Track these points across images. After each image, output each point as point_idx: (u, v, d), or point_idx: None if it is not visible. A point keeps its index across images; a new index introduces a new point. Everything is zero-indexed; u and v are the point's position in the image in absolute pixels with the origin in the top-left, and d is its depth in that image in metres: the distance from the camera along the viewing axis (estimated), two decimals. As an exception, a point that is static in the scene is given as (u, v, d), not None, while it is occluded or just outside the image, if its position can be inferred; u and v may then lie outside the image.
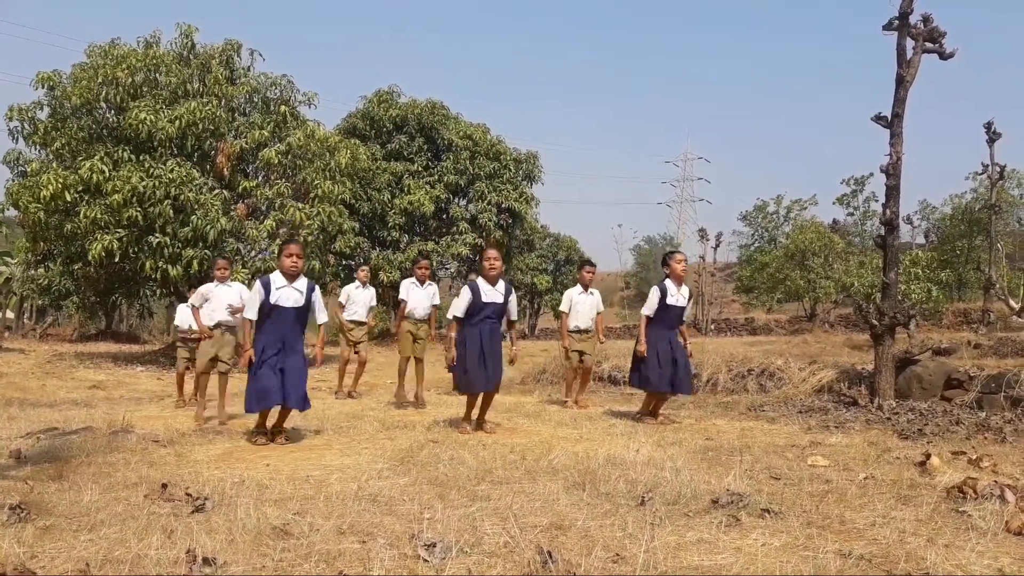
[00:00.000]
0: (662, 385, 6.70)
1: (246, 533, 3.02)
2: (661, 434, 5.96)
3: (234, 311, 7.09)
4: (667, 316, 6.80)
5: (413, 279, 8.34)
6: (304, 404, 5.64)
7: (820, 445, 5.41)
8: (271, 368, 5.49)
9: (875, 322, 7.63)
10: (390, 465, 4.59)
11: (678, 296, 6.81)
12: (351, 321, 9.40)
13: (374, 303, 9.72)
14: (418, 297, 8.24)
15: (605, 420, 6.93)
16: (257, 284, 5.68)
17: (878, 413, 6.96)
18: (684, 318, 6.97)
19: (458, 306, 6.06)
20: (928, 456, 4.60)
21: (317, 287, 5.93)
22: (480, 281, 6.08)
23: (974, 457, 4.75)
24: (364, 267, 9.92)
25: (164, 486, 3.78)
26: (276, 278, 5.64)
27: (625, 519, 3.29)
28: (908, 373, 7.71)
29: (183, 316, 8.70)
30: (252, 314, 5.62)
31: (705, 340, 17.57)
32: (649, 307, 6.84)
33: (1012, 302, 16.25)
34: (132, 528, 3.08)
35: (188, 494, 3.64)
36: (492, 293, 6.05)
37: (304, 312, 5.70)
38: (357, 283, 9.55)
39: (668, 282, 6.81)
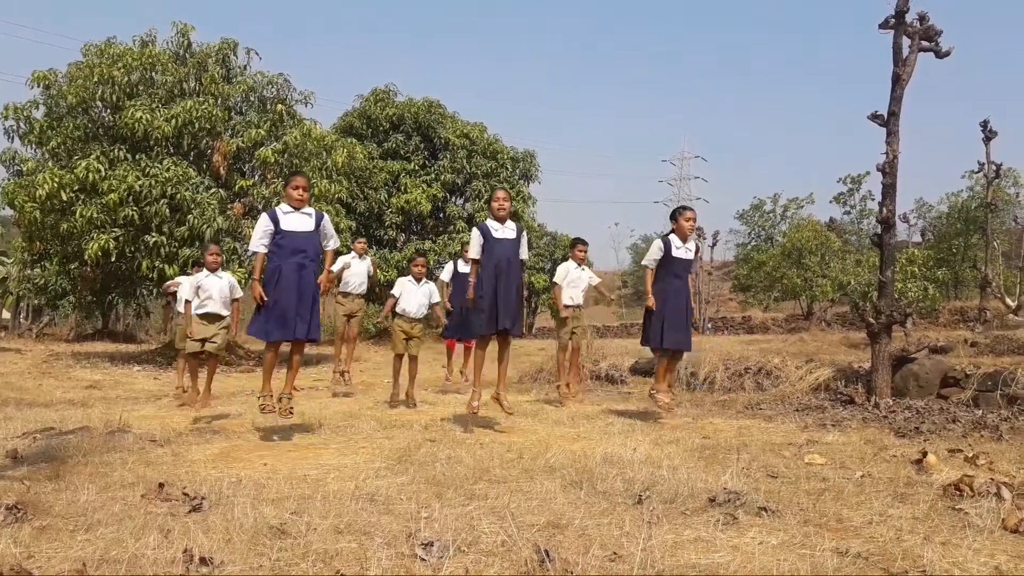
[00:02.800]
0: (668, 343, 6.63)
1: (243, 533, 3.01)
2: (658, 432, 5.97)
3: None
4: (675, 267, 6.75)
5: (410, 277, 8.34)
6: (316, 333, 5.62)
7: (817, 443, 5.42)
8: (285, 299, 5.45)
9: (872, 320, 7.64)
10: (387, 464, 4.59)
11: (684, 249, 6.77)
12: (346, 293, 9.35)
13: (372, 272, 9.66)
14: (412, 295, 8.24)
15: (602, 419, 6.93)
16: (263, 216, 5.66)
17: (875, 411, 6.97)
18: (690, 271, 6.94)
19: (473, 248, 6.14)
20: (925, 454, 4.61)
21: (325, 215, 5.94)
22: (489, 221, 6.17)
23: (971, 455, 4.76)
24: (360, 239, 9.84)
25: (161, 486, 3.77)
26: (283, 207, 5.67)
27: (622, 518, 3.29)
28: (905, 371, 7.73)
29: (185, 290, 8.63)
30: (259, 247, 5.59)
31: (702, 339, 17.57)
32: (650, 257, 6.80)
33: (1008, 300, 16.27)
34: (129, 528, 3.07)
35: (185, 494, 3.63)
36: (502, 230, 6.13)
37: (315, 238, 5.71)
38: (354, 254, 9.50)
39: (673, 236, 6.78)
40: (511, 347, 6.43)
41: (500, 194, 6.24)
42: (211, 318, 6.90)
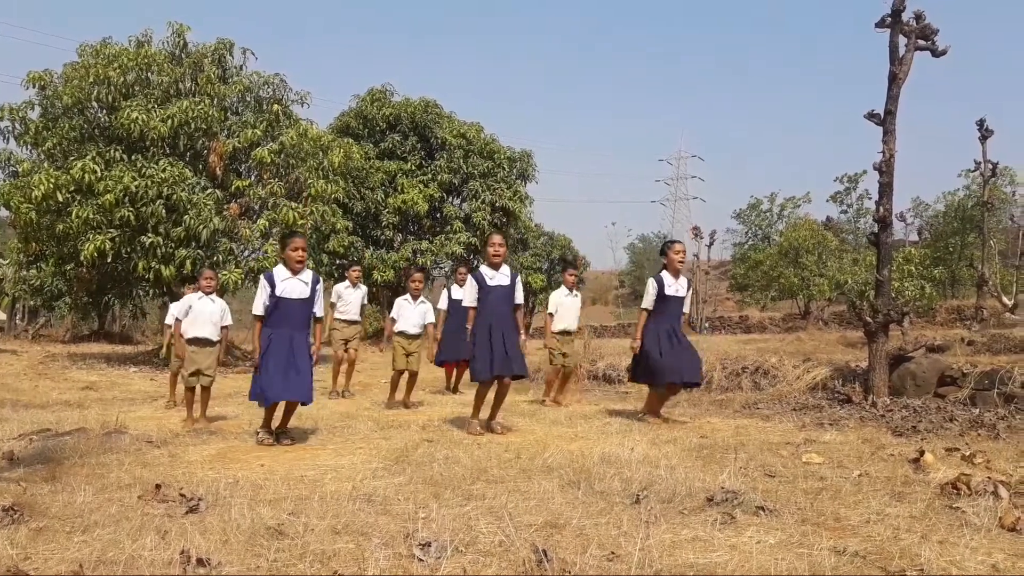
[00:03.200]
0: (670, 377, 6.56)
1: (240, 534, 3.01)
2: (656, 432, 5.97)
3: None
4: (668, 308, 6.71)
5: (407, 296, 8.35)
6: (309, 397, 5.63)
7: (814, 442, 5.42)
8: (278, 362, 5.46)
9: (869, 319, 7.65)
10: (385, 465, 4.59)
11: (676, 287, 6.73)
12: (342, 320, 9.41)
13: (365, 302, 9.73)
14: (410, 316, 8.26)
15: (600, 419, 6.93)
16: (262, 280, 5.66)
17: (872, 410, 6.98)
18: (685, 311, 6.85)
19: (468, 296, 6.16)
20: (922, 453, 4.61)
21: (320, 279, 5.93)
22: (483, 268, 6.18)
23: (968, 453, 4.77)
24: (356, 267, 9.92)
25: (158, 487, 3.76)
26: (280, 271, 5.63)
27: (620, 517, 3.29)
28: (902, 370, 7.74)
29: (172, 312, 8.61)
30: (259, 310, 5.60)
31: (699, 338, 17.58)
32: (647, 300, 6.76)
33: (1005, 299, 16.29)
34: (126, 529, 3.07)
35: (182, 495, 3.62)
36: (497, 277, 6.14)
37: (310, 304, 5.70)
38: (348, 283, 9.55)
39: (665, 273, 6.76)
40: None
41: (496, 239, 6.19)
42: (201, 343, 6.87)
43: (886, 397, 7.39)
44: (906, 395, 7.48)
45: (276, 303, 5.55)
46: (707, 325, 30.86)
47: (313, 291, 5.70)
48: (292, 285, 5.60)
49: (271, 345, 5.52)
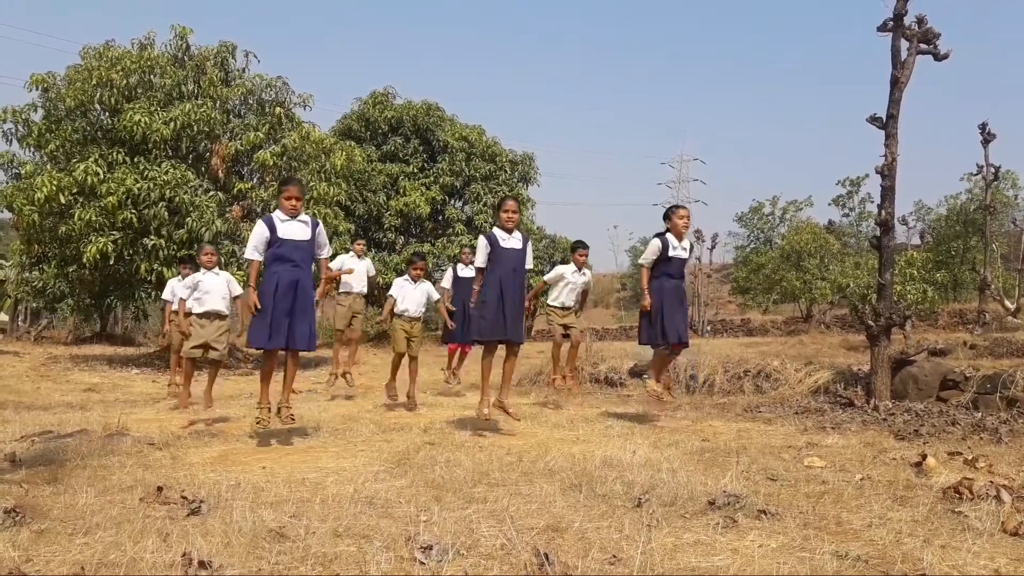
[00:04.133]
0: (672, 337, 6.63)
1: (242, 536, 3.01)
2: (658, 435, 5.96)
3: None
4: (671, 267, 6.78)
5: (406, 277, 8.31)
6: (311, 343, 5.63)
7: (816, 446, 5.41)
8: (281, 307, 5.45)
9: (871, 323, 7.64)
10: (386, 467, 4.58)
11: (679, 248, 6.80)
12: (346, 293, 9.35)
13: (372, 273, 9.67)
14: (411, 295, 8.20)
15: (601, 422, 6.92)
16: (260, 222, 5.66)
17: (874, 414, 6.97)
18: (684, 271, 6.95)
19: (479, 257, 6.15)
20: (924, 457, 4.60)
21: (320, 223, 5.93)
22: (496, 230, 6.17)
23: (970, 458, 4.76)
24: (359, 240, 9.86)
25: (159, 489, 3.76)
26: (278, 215, 5.65)
27: (622, 521, 3.28)
28: (904, 374, 7.73)
29: (172, 290, 8.53)
30: (255, 254, 5.58)
31: (701, 341, 17.57)
32: (647, 256, 6.81)
33: (1007, 303, 16.26)
34: (127, 531, 3.07)
35: (184, 497, 3.62)
36: (510, 240, 6.15)
37: (310, 246, 5.70)
38: (352, 254, 9.51)
39: (669, 235, 6.80)
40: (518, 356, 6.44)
41: (510, 204, 6.23)
42: (210, 316, 6.81)
43: (888, 401, 7.37)
44: (908, 399, 7.47)
45: (279, 245, 5.55)
46: (709, 328, 30.82)
47: (314, 232, 5.73)
48: (292, 227, 5.62)
49: (277, 288, 5.48)
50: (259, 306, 5.46)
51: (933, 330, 19.98)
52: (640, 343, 7.29)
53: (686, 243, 6.90)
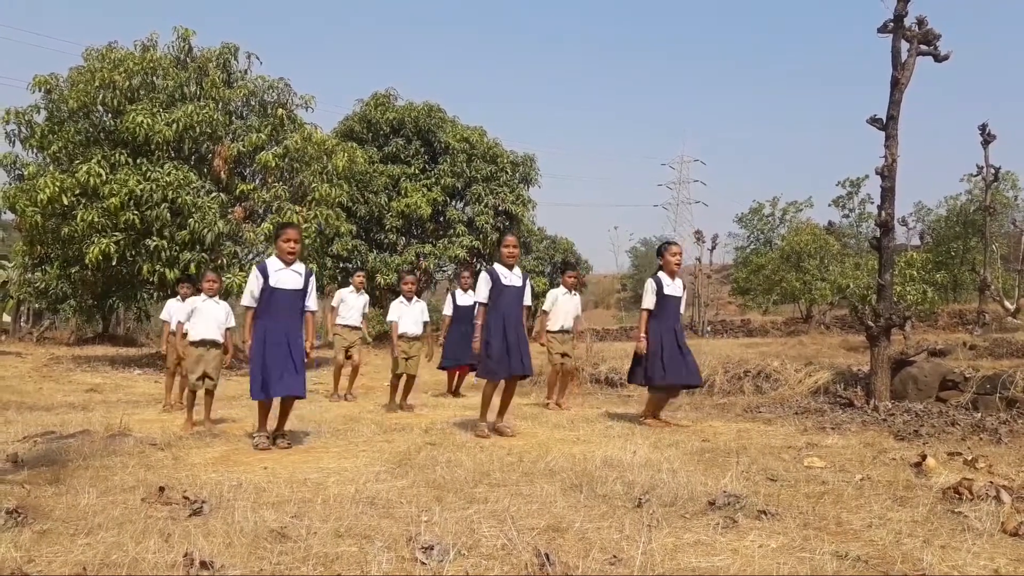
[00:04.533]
0: (671, 378, 6.57)
1: (243, 536, 3.02)
2: (658, 436, 5.97)
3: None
4: (667, 308, 6.72)
5: (401, 298, 8.31)
6: (304, 392, 5.62)
7: (816, 446, 5.42)
8: (276, 356, 5.44)
9: (871, 324, 7.65)
10: (387, 468, 4.59)
11: (673, 287, 6.75)
12: (344, 325, 9.43)
13: (367, 309, 9.77)
14: (407, 315, 8.22)
15: (602, 422, 6.94)
16: (254, 270, 5.63)
17: (874, 414, 6.97)
18: (681, 311, 6.87)
19: (481, 292, 6.15)
20: (924, 457, 4.61)
21: (313, 272, 5.91)
22: (497, 266, 6.17)
23: (970, 458, 4.76)
24: (360, 272, 9.95)
25: (161, 489, 3.78)
26: (273, 262, 5.61)
27: (622, 521, 3.29)
28: (904, 374, 7.73)
29: (170, 311, 8.54)
30: (251, 301, 5.56)
31: (701, 342, 17.58)
32: (647, 301, 6.75)
33: (1007, 303, 16.26)
34: (129, 532, 3.08)
35: (185, 497, 3.64)
36: (511, 277, 6.16)
37: (303, 296, 5.67)
38: (352, 288, 9.58)
39: (661, 274, 6.77)
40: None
41: (510, 239, 6.22)
42: (207, 344, 6.82)
43: (888, 401, 7.38)
44: (908, 399, 7.47)
45: (271, 294, 5.51)
46: (709, 329, 30.82)
47: (307, 283, 5.68)
48: (286, 276, 5.58)
49: (267, 338, 5.47)
50: (243, 351, 5.47)
51: (933, 331, 19.98)
52: (628, 381, 7.29)
53: (679, 283, 6.80)
